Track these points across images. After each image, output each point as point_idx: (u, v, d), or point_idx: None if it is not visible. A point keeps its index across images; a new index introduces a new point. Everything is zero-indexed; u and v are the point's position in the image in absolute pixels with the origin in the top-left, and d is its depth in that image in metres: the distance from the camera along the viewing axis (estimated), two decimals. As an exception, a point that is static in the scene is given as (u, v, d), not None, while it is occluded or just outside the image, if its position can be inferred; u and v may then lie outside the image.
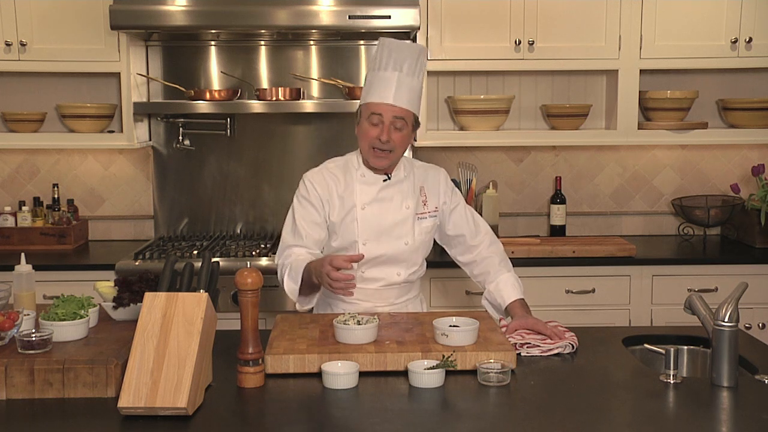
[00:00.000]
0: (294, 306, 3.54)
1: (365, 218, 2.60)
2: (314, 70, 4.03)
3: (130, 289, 2.25)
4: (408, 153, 3.94)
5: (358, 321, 2.21)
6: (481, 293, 3.56)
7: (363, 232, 2.60)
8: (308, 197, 2.62)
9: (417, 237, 2.64)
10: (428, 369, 2.02)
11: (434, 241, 2.79)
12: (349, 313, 2.29)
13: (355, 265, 2.48)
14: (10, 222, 3.87)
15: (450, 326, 2.20)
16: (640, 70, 3.80)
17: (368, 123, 2.54)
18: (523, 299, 2.60)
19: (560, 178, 4.09)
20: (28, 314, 2.17)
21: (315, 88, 4.03)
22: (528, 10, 3.73)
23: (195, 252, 3.61)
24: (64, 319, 2.11)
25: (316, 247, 2.62)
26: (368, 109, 2.54)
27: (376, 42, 3.92)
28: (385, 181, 2.63)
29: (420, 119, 3.73)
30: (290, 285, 2.49)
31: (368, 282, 2.63)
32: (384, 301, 2.64)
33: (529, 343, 2.28)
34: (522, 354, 2.25)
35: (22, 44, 3.68)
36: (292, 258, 2.53)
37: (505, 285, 2.65)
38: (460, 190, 3.98)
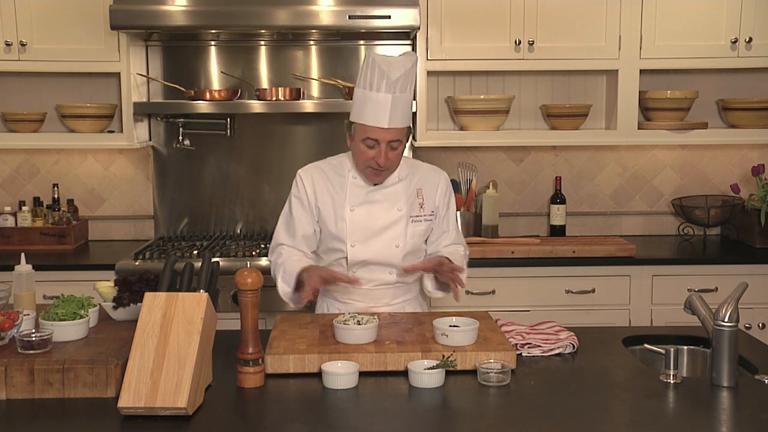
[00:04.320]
0: (293, 306, 3.55)
1: (353, 220, 2.60)
2: (314, 70, 4.03)
3: (130, 289, 2.25)
4: (408, 153, 3.96)
5: (358, 321, 2.21)
6: (485, 293, 3.58)
7: (351, 233, 2.59)
8: (299, 195, 2.65)
9: (409, 240, 2.62)
10: (428, 369, 2.02)
11: None
12: (349, 313, 2.29)
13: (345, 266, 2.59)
14: (10, 222, 3.87)
15: (450, 326, 2.20)
16: (640, 70, 3.80)
17: (364, 145, 2.51)
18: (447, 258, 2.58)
19: (560, 178, 4.09)
20: (28, 314, 2.17)
21: (315, 88, 4.03)
22: (528, 10, 3.73)
23: (195, 252, 3.61)
24: (64, 319, 2.11)
25: (306, 245, 2.65)
26: (363, 131, 2.50)
27: (376, 42, 3.98)
28: (375, 184, 2.62)
29: (419, 119, 3.78)
30: (284, 288, 2.54)
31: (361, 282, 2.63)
32: (378, 301, 2.64)
33: (530, 343, 2.28)
34: (522, 354, 2.25)
35: (22, 44, 3.68)
36: (284, 258, 2.58)
37: (445, 252, 2.66)
38: (460, 190, 3.98)
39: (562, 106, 3.96)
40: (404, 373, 2.06)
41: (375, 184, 2.62)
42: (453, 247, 2.72)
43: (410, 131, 2.59)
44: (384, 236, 2.60)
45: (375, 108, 2.46)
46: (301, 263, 2.51)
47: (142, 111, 3.87)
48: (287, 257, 2.56)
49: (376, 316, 2.26)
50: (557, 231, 4.07)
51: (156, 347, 1.87)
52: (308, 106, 3.79)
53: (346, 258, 2.60)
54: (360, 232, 2.59)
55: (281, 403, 1.95)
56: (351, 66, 4.02)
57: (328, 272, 2.47)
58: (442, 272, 2.50)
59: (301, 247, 2.63)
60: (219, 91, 3.80)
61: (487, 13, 3.73)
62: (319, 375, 2.05)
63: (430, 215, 2.67)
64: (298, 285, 2.49)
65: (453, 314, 2.35)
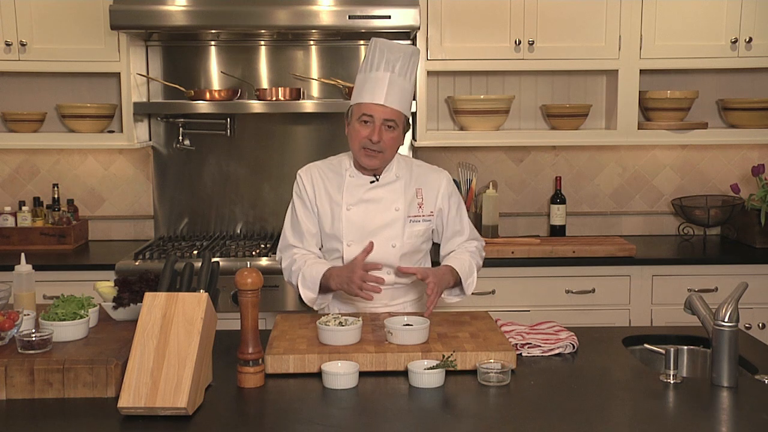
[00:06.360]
0: (294, 306, 3.56)
1: (350, 219, 2.59)
2: (314, 70, 4.03)
3: (130, 289, 2.25)
4: (408, 153, 3.96)
5: (341, 322, 2.20)
6: (485, 293, 3.58)
7: (348, 233, 2.59)
8: (300, 194, 2.65)
9: (406, 240, 2.61)
10: (428, 369, 2.02)
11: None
12: (332, 315, 2.29)
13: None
14: (10, 222, 3.87)
15: (404, 325, 2.20)
16: (640, 70, 3.80)
17: (359, 123, 2.53)
18: (453, 268, 2.57)
19: (560, 178, 4.09)
20: (28, 314, 2.17)
21: (315, 88, 4.03)
22: (528, 10, 3.73)
23: (195, 252, 3.61)
24: (64, 319, 2.12)
25: (315, 244, 2.65)
26: (359, 109, 2.53)
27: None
28: (372, 182, 2.62)
29: (419, 119, 3.78)
30: (308, 294, 2.54)
31: None
32: (377, 302, 2.59)
33: (530, 343, 2.28)
34: (522, 354, 2.25)
35: (22, 44, 3.68)
36: (299, 264, 2.58)
37: (452, 258, 2.64)
38: (460, 190, 3.98)
39: (562, 106, 3.97)
40: (404, 373, 2.06)
41: (372, 182, 2.61)
42: (466, 243, 2.71)
43: (408, 124, 2.61)
44: (380, 236, 2.59)
45: (372, 86, 2.50)
46: (319, 266, 2.52)
47: (142, 111, 3.87)
48: (302, 263, 2.57)
49: (359, 318, 2.26)
50: (557, 231, 4.07)
51: (156, 347, 1.87)
52: (308, 106, 3.79)
53: (342, 258, 2.59)
54: (356, 232, 2.59)
55: (281, 403, 1.95)
56: (351, 66, 4.02)
57: (358, 265, 2.42)
58: (427, 284, 2.45)
59: (310, 247, 2.63)
60: (219, 91, 3.80)
61: (487, 13, 3.73)
62: (319, 375, 2.05)
63: (430, 215, 2.65)
64: (322, 289, 2.51)
65: (451, 314, 2.35)
